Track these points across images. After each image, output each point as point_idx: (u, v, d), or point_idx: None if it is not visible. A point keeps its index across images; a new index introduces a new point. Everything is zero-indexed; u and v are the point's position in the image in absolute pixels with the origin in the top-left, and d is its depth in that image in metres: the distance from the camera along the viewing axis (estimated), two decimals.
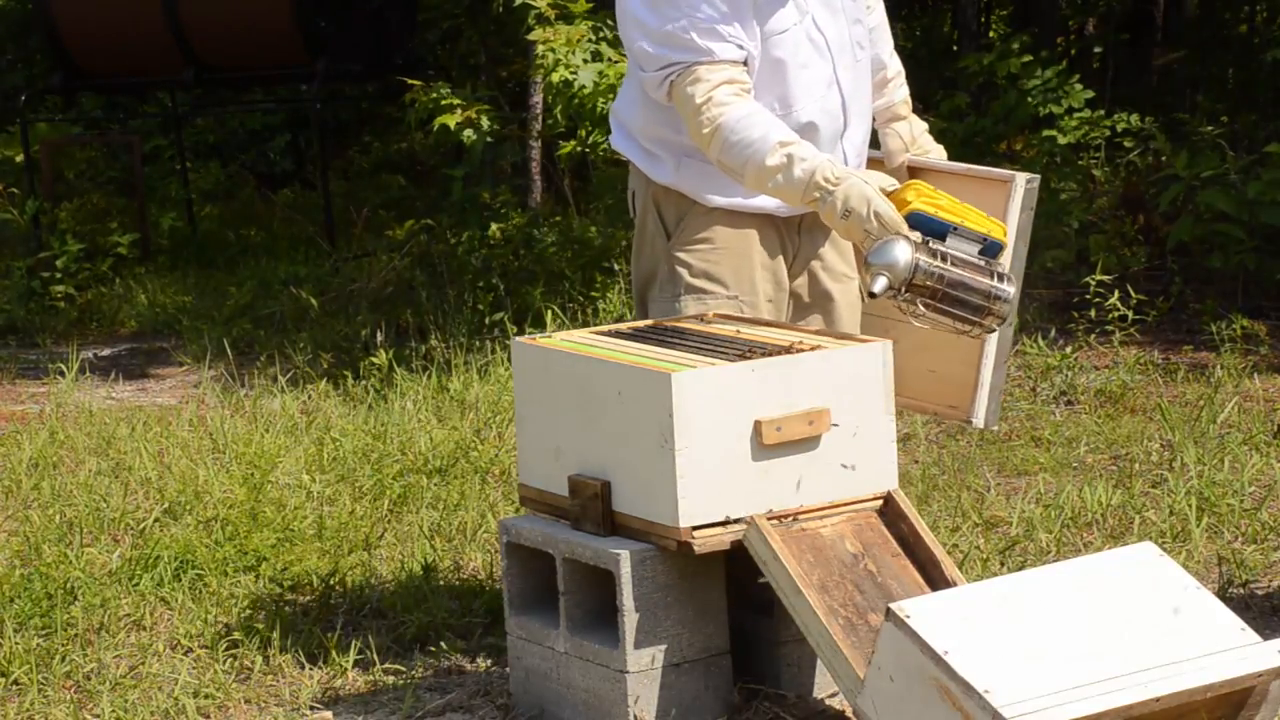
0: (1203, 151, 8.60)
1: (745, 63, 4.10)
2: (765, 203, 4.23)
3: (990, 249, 3.98)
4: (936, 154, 4.49)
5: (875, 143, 4.48)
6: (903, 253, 3.87)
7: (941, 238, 3.94)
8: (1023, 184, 4.22)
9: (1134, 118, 9.35)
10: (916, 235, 3.92)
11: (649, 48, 4.09)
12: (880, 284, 3.87)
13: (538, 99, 9.45)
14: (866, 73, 4.33)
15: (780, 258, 4.30)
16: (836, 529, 3.86)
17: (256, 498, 5.60)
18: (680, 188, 4.28)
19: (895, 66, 4.49)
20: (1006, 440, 6.30)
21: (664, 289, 4.32)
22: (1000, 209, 4.20)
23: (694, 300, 4.28)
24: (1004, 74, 9.22)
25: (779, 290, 4.31)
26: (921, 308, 3.90)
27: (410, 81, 9.04)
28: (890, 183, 4.05)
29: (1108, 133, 9.22)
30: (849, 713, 3.86)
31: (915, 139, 4.48)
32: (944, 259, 3.90)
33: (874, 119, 4.44)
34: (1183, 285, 8.31)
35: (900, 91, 4.49)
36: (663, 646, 3.83)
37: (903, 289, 3.88)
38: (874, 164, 4.46)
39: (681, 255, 4.30)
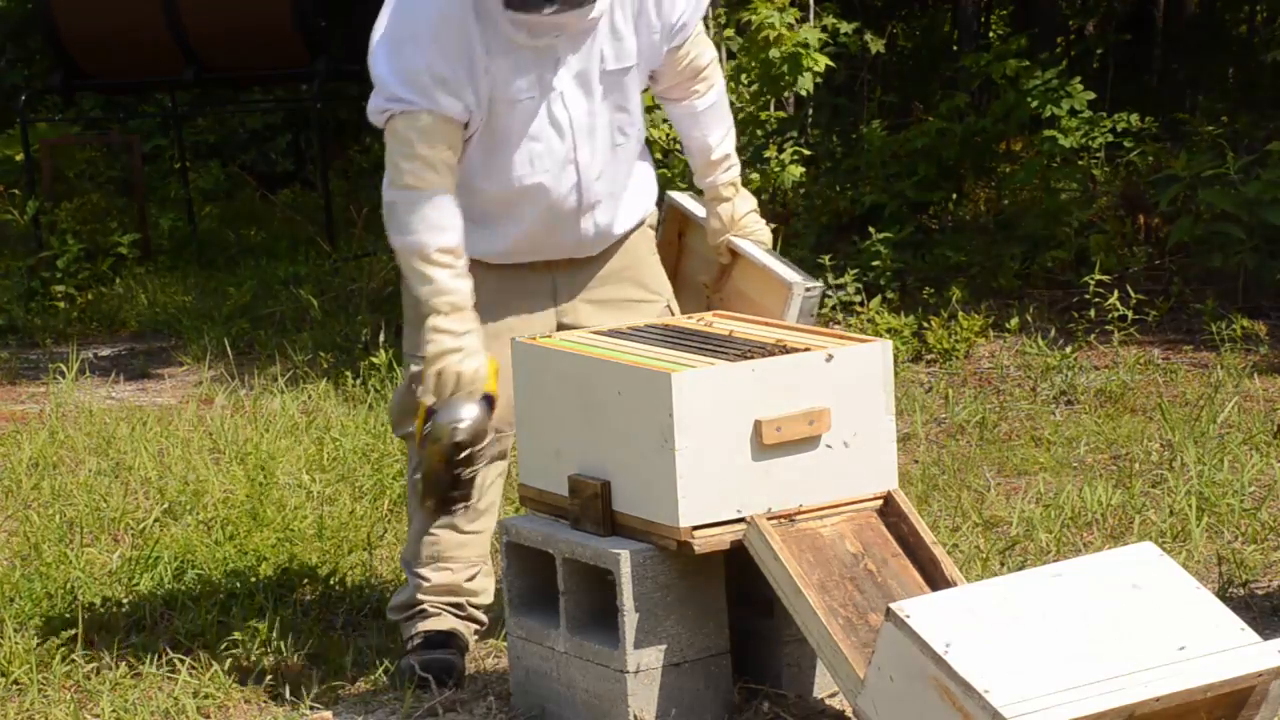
0: (1203, 151, 8.60)
1: (467, 124, 4.08)
2: (483, 251, 4.21)
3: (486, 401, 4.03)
4: (761, 233, 4.46)
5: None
6: (469, 413, 3.94)
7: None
8: (800, 293, 4.27)
9: (1134, 118, 9.35)
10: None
11: (386, 75, 4.05)
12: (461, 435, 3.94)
13: None
14: (626, 158, 4.26)
15: (520, 294, 4.28)
16: (836, 529, 3.86)
17: (256, 498, 5.60)
18: None
19: (724, 150, 4.42)
20: (1006, 440, 6.30)
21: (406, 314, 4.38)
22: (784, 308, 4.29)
23: (412, 332, 4.29)
24: (1002, 75, 9.22)
25: (512, 328, 4.27)
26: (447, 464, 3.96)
27: None
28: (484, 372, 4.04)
29: (1110, 136, 9.22)
30: (849, 713, 3.86)
31: (736, 220, 4.44)
32: (483, 451, 3.96)
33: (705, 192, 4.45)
34: (1183, 285, 8.31)
35: (726, 174, 4.43)
36: (663, 646, 3.83)
37: (456, 443, 3.93)
38: (696, 228, 4.51)
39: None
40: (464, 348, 3.99)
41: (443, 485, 4.00)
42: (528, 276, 4.29)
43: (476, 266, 4.16)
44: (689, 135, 4.44)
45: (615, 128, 4.21)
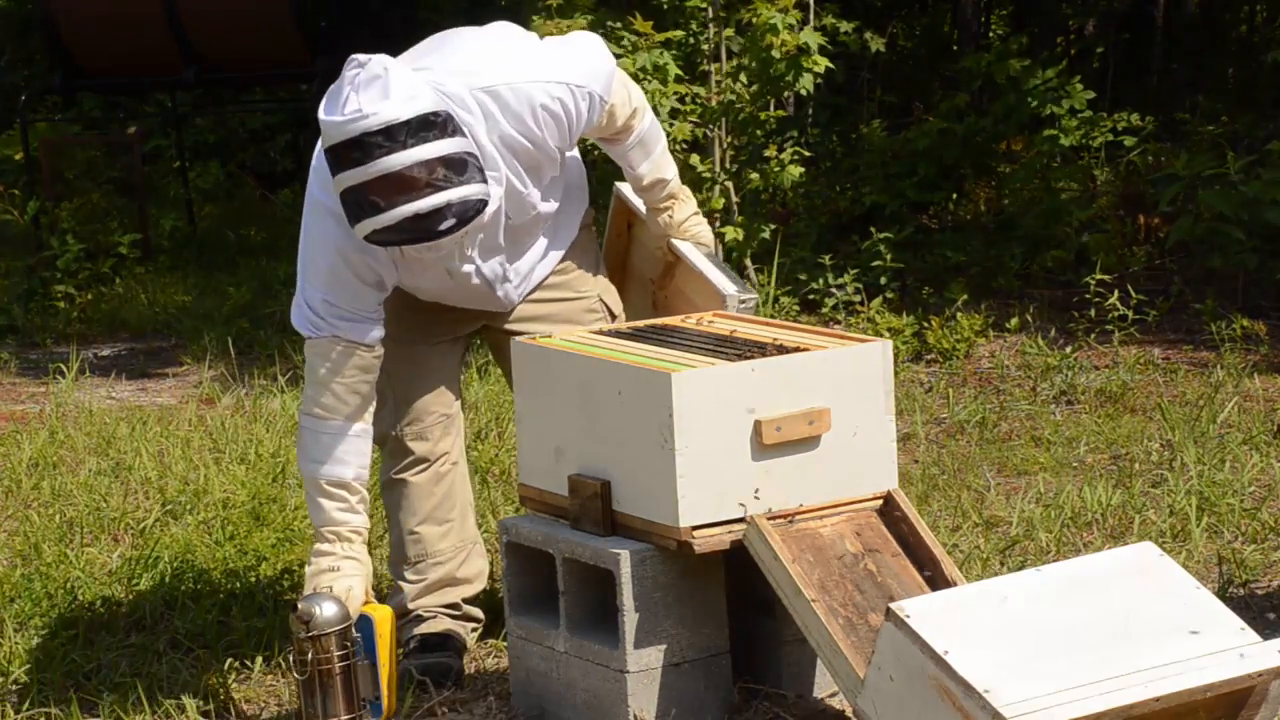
0: (1203, 152, 8.59)
1: (377, 344, 4.10)
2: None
3: (375, 709, 4.00)
4: (702, 235, 4.46)
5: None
6: (330, 609, 3.93)
7: (358, 655, 3.97)
8: (734, 304, 4.30)
9: (1134, 117, 9.34)
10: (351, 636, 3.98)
11: (298, 299, 4.09)
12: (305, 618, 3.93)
13: None
14: (538, 239, 4.29)
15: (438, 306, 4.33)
16: (836, 529, 3.86)
17: (257, 498, 5.60)
18: None
19: (653, 176, 4.39)
20: (1006, 440, 6.30)
21: None
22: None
23: None
24: (1003, 76, 9.22)
25: (426, 335, 4.33)
26: (299, 663, 3.93)
27: None
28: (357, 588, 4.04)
29: (1110, 136, 9.21)
30: (849, 713, 3.86)
31: (676, 224, 4.43)
32: (343, 657, 3.93)
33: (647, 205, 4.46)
34: (1183, 285, 8.30)
35: (661, 193, 4.42)
36: (663, 646, 3.83)
37: (310, 636, 3.91)
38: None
39: None
40: (340, 568, 4.05)
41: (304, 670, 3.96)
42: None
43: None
44: (619, 161, 4.44)
45: (527, 245, 4.26)
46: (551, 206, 4.23)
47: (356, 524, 4.09)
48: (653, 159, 4.39)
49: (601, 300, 4.45)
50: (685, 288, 4.44)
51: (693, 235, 4.44)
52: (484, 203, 3.84)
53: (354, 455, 4.09)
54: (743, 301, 4.31)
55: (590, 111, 4.10)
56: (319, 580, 4.04)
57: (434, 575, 4.37)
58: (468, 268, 4.15)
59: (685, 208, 4.46)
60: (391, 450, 4.38)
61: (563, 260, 4.39)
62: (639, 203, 4.51)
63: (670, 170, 4.43)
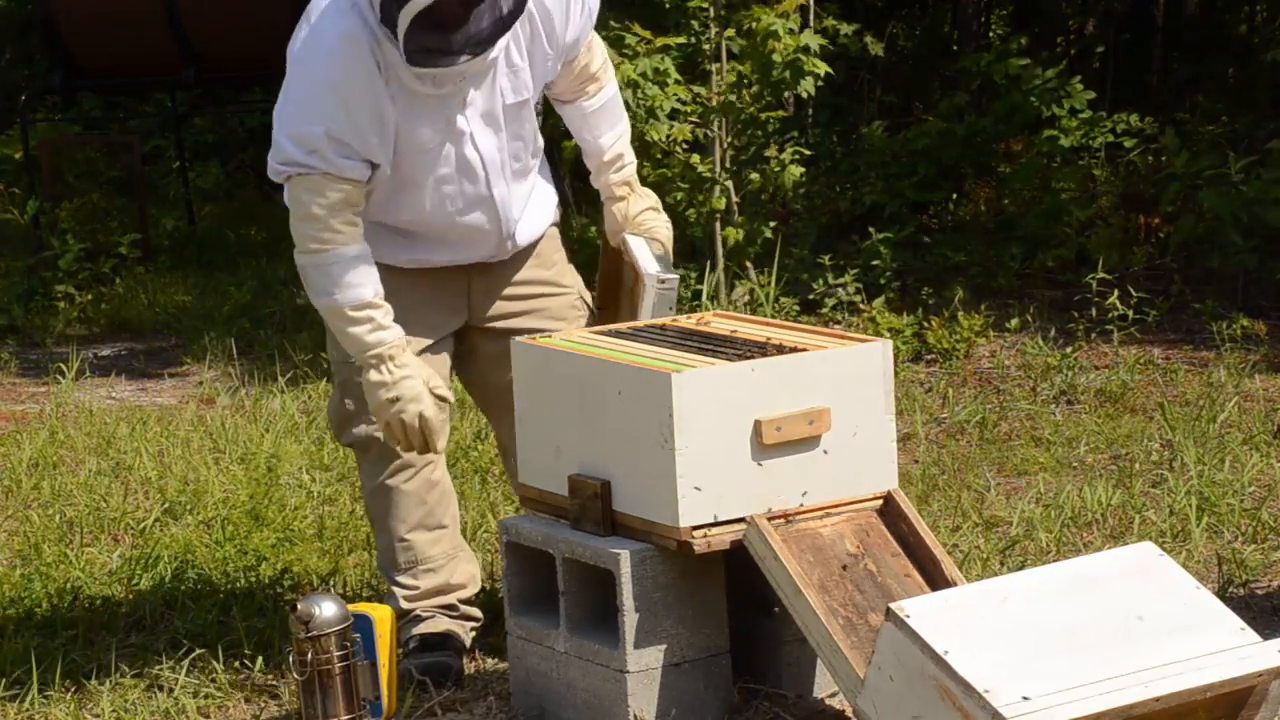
0: (1203, 151, 8.59)
1: (368, 180, 4.08)
2: (403, 259, 4.26)
3: (374, 710, 4.00)
4: (658, 229, 4.43)
5: None
6: (330, 609, 3.92)
7: (357, 655, 3.97)
8: (654, 284, 4.28)
9: (1134, 118, 9.34)
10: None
11: (282, 138, 4.07)
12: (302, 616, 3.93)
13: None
14: (530, 178, 4.30)
15: (432, 289, 4.29)
16: (836, 529, 3.86)
17: (257, 498, 5.60)
18: None
19: (615, 150, 4.42)
20: (1006, 440, 6.30)
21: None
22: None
23: (330, 339, 4.29)
24: (1003, 76, 9.22)
25: (426, 323, 4.29)
26: (299, 663, 3.93)
27: None
28: (442, 388, 4.11)
29: (1110, 136, 9.21)
30: (849, 713, 3.86)
31: (630, 218, 4.42)
32: (342, 657, 3.92)
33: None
34: (1183, 285, 8.31)
35: (619, 174, 4.43)
36: (663, 646, 3.83)
37: (310, 636, 3.91)
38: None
39: None
40: (400, 396, 4.06)
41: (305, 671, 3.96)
42: (443, 278, 4.32)
43: (388, 270, 4.20)
44: (580, 136, 4.44)
45: (514, 156, 4.24)
46: (533, 139, 4.26)
47: (392, 339, 4.08)
48: (616, 131, 4.41)
49: (581, 296, 4.46)
50: (631, 284, 4.44)
51: (647, 229, 4.42)
52: (518, 12, 3.95)
53: (365, 276, 4.07)
54: (662, 282, 4.28)
55: (584, 17, 4.19)
56: (389, 418, 4.07)
57: (427, 582, 4.36)
58: (464, 125, 4.11)
59: (642, 200, 4.45)
60: (379, 455, 4.32)
61: (541, 244, 4.39)
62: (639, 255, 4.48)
63: (630, 154, 4.44)
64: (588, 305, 4.47)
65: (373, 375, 4.08)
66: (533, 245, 4.40)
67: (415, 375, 4.09)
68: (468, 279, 4.34)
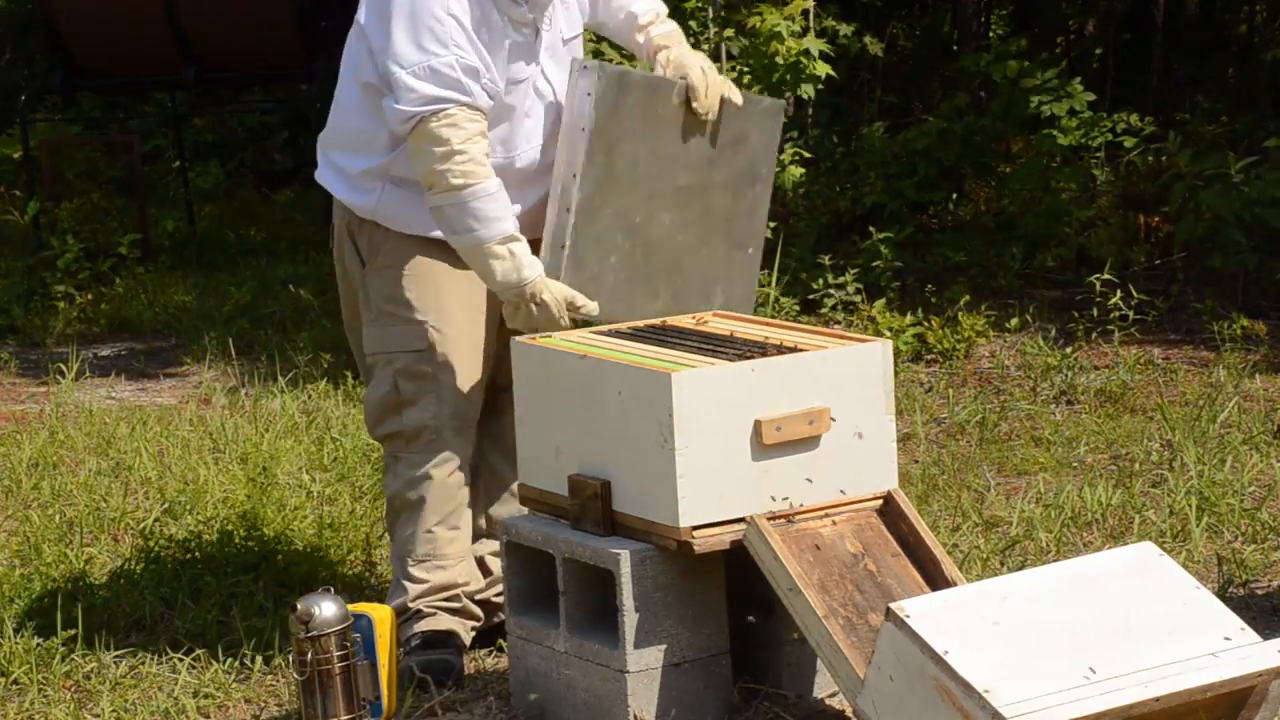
0: (1204, 152, 8.59)
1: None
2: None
3: (374, 710, 4.00)
4: (697, 61, 4.38)
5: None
6: (330, 609, 3.92)
7: (357, 655, 3.97)
8: (576, 68, 4.20)
9: (1134, 117, 9.35)
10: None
11: (409, 79, 4.05)
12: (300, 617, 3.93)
13: None
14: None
15: (479, 283, 4.27)
16: (836, 529, 3.86)
17: (257, 498, 5.60)
18: (378, 217, 4.29)
19: (652, 11, 4.41)
20: (1006, 440, 6.30)
21: (364, 316, 4.37)
22: None
23: (383, 325, 4.30)
24: (1003, 76, 9.22)
25: (481, 324, 4.31)
26: (299, 663, 3.93)
27: None
28: (584, 304, 4.15)
29: (1109, 136, 9.21)
30: (849, 713, 3.86)
31: (673, 62, 4.37)
32: (342, 657, 3.92)
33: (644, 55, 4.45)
34: (1183, 285, 8.31)
35: (660, 29, 4.40)
36: (663, 646, 3.83)
37: (310, 636, 3.91)
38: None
39: (372, 279, 4.33)
40: (556, 317, 4.13)
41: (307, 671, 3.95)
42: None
43: (443, 246, 4.21)
44: (615, 20, 4.42)
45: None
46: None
47: (534, 274, 4.10)
48: (650, 3, 4.43)
49: None
50: None
51: (688, 63, 4.36)
52: None
53: (507, 209, 4.09)
54: (584, 65, 4.19)
55: None
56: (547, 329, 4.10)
57: (438, 578, 4.36)
58: (541, 56, 4.17)
59: (688, 55, 4.38)
60: (428, 443, 4.29)
61: None
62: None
63: (671, 23, 4.44)
64: None
65: (511, 308, 4.11)
66: None
67: (553, 304, 4.11)
68: None
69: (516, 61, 4.15)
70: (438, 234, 4.21)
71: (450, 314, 4.26)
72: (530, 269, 4.09)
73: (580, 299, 4.15)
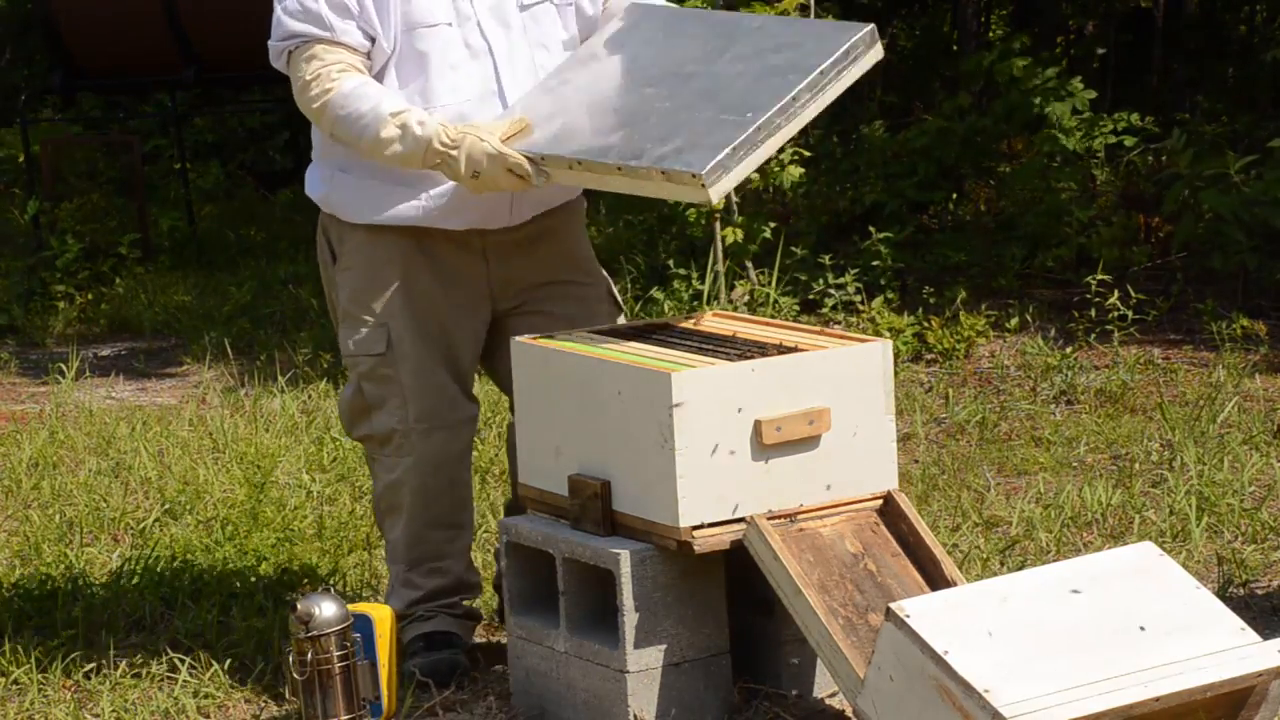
0: (1205, 151, 8.59)
1: (369, 54, 4.07)
2: (402, 213, 4.16)
3: (374, 710, 3.99)
4: None
5: None
6: (330, 609, 3.92)
7: (358, 655, 3.96)
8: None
9: (1134, 117, 9.34)
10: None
11: (282, 15, 4.08)
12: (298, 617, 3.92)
13: None
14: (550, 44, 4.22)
15: (453, 277, 4.22)
16: (836, 529, 3.86)
17: (257, 498, 5.60)
18: (332, 207, 4.25)
19: None
20: (1006, 440, 6.30)
21: (335, 316, 4.34)
22: None
23: (348, 329, 4.26)
24: (1003, 76, 9.22)
25: (449, 312, 4.23)
26: (299, 663, 3.93)
27: None
28: (512, 123, 3.98)
29: (1111, 139, 9.21)
30: (849, 713, 3.86)
31: None
32: (342, 657, 3.92)
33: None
34: (1183, 285, 8.31)
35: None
36: (663, 646, 3.83)
37: (310, 636, 3.90)
38: None
39: (339, 279, 4.29)
40: (479, 170, 3.95)
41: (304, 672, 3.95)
42: (457, 256, 4.23)
43: (397, 235, 4.16)
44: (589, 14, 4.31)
45: (537, 65, 4.18)
46: (560, 54, 4.19)
47: (434, 124, 3.98)
48: None
49: (610, 291, 4.41)
50: None
51: None
52: None
53: (379, 91, 4.03)
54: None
55: None
56: (481, 185, 3.97)
57: (433, 582, 4.34)
58: (469, 10, 4.09)
59: None
60: (398, 447, 4.26)
61: (561, 228, 4.31)
62: None
63: None
64: (614, 299, 4.41)
65: (447, 169, 3.99)
66: (549, 223, 4.30)
67: (468, 133, 3.97)
68: (484, 257, 4.25)
69: (426, 5, 4.07)
70: (387, 220, 4.15)
71: (411, 316, 4.20)
72: (424, 126, 3.97)
73: (507, 123, 3.99)
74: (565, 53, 4.23)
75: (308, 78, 4.08)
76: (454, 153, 3.95)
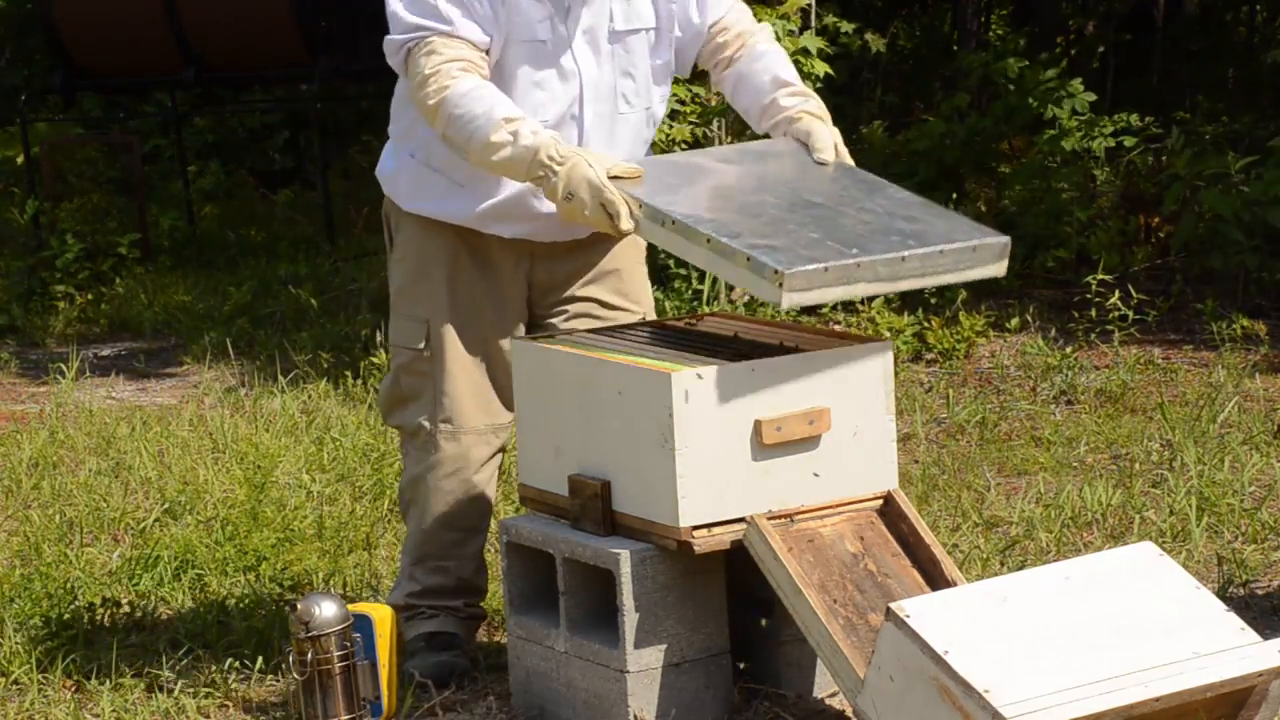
0: (1205, 151, 8.59)
1: (487, 51, 4.02)
2: (454, 211, 4.15)
3: (374, 710, 3.99)
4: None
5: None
6: (330, 609, 3.92)
7: (358, 655, 3.96)
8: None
9: (1134, 118, 9.35)
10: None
11: (400, 10, 4.01)
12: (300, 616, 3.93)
13: None
14: (627, 133, 4.16)
15: (497, 283, 4.21)
16: (836, 529, 3.86)
17: (256, 498, 5.60)
18: (395, 189, 4.24)
19: (786, 76, 4.17)
20: (1006, 440, 6.30)
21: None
22: None
23: (395, 318, 4.27)
24: (1003, 76, 9.22)
25: (491, 318, 4.22)
26: (299, 663, 3.93)
27: None
28: (626, 168, 3.91)
29: (1111, 141, 9.21)
30: (849, 713, 3.86)
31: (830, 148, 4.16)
32: (342, 657, 3.91)
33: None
34: (1183, 285, 8.31)
35: (792, 98, 4.15)
36: (663, 646, 3.83)
37: (310, 636, 3.91)
38: None
39: (391, 269, 4.30)
40: (574, 194, 3.86)
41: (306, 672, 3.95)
42: (502, 259, 4.22)
43: (447, 233, 4.15)
44: (747, 86, 4.19)
45: (620, 94, 4.14)
46: (645, 89, 4.14)
47: (544, 140, 3.88)
48: (785, 68, 4.20)
49: (644, 320, 4.34)
50: None
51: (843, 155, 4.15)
52: None
53: (493, 97, 3.93)
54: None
55: None
56: (574, 211, 3.88)
57: (437, 581, 4.34)
58: (564, 31, 4.03)
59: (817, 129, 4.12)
60: (424, 443, 4.26)
61: (623, 250, 4.28)
62: None
63: (806, 88, 4.20)
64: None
65: (546, 184, 3.89)
66: (607, 246, 4.26)
67: (578, 156, 3.88)
68: (530, 266, 4.22)
69: (535, 19, 4.02)
70: (439, 215, 4.16)
71: (452, 316, 4.21)
72: (537, 136, 3.89)
73: (622, 166, 3.90)
74: (652, 81, 4.18)
75: (426, 72, 3.97)
76: (558, 169, 3.88)
